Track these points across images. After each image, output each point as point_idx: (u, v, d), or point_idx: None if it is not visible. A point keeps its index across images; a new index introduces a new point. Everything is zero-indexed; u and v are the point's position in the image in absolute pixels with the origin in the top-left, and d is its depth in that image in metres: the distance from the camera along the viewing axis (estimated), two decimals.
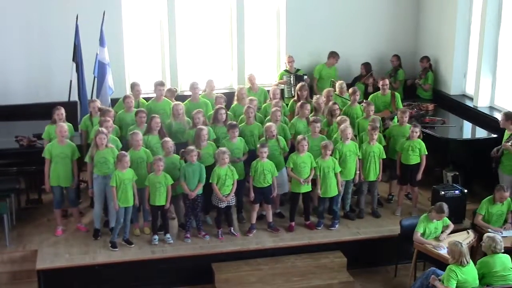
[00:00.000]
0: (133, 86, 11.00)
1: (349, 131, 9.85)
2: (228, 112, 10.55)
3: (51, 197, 9.91)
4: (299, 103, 10.63)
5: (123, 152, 9.16)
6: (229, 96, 11.58)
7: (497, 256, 7.93)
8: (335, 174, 9.71)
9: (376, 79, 12.43)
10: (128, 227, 9.33)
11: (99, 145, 9.17)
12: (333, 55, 12.96)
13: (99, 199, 9.38)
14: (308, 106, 10.52)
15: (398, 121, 10.69)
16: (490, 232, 8.68)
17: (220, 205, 9.45)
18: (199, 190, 9.31)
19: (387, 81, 11.58)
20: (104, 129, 9.29)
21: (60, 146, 9.40)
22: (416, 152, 10.08)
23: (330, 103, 10.73)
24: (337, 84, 11.74)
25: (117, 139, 9.76)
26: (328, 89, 11.51)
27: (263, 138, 9.86)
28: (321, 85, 12.78)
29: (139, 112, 10.03)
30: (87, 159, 9.34)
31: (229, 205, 9.53)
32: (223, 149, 9.33)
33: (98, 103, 10.27)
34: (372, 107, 10.67)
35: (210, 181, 9.33)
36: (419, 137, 10.11)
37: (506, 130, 9.94)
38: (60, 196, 9.61)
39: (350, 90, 11.25)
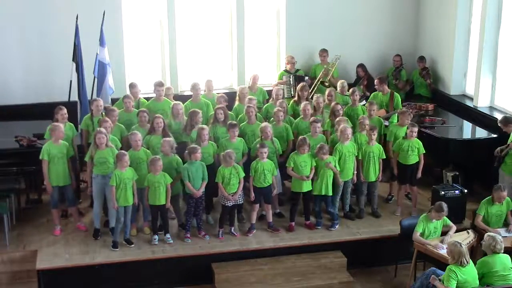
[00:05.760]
0: (130, 88, 11.01)
1: (349, 132, 9.85)
2: (230, 112, 10.61)
3: None
4: (302, 104, 10.63)
5: (123, 151, 9.17)
6: (229, 96, 11.57)
7: (497, 256, 7.92)
8: (334, 174, 9.73)
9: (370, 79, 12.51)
10: (128, 227, 9.34)
11: (99, 144, 9.19)
12: (320, 52, 12.88)
13: (98, 198, 9.40)
14: (309, 107, 10.53)
15: (398, 121, 10.72)
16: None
17: (227, 204, 9.45)
18: (203, 188, 9.34)
19: (376, 82, 11.56)
20: (103, 129, 9.31)
21: (57, 146, 9.41)
22: (415, 152, 10.09)
23: (333, 103, 10.72)
24: (339, 83, 11.75)
25: (116, 139, 9.77)
26: (329, 88, 11.51)
27: (259, 139, 9.86)
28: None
29: (140, 112, 10.06)
30: (87, 158, 9.36)
31: (236, 204, 9.53)
32: (230, 152, 9.32)
33: (101, 102, 10.29)
34: (374, 107, 10.68)
35: (216, 181, 9.36)
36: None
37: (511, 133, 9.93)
38: (58, 196, 9.61)
39: (350, 90, 11.25)
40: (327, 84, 12.41)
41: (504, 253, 8.02)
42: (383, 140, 10.68)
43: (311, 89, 12.23)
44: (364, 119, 10.26)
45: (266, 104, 11.28)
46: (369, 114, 10.61)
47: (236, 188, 9.37)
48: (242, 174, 9.41)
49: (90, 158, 9.31)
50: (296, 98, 11.37)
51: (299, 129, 10.43)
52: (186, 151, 9.41)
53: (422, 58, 13.03)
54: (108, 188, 9.11)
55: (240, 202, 9.62)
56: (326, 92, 11.27)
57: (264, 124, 9.94)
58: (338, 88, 11.63)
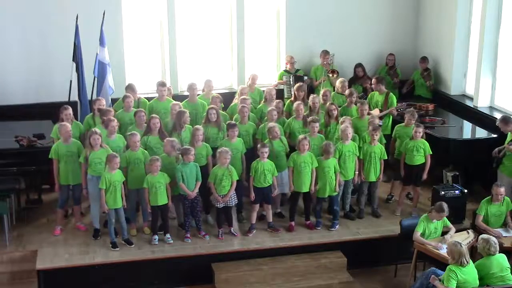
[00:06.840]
0: (127, 90, 10.91)
1: (349, 131, 9.86)
2: (224, 112, 10.61)
3: (52, 197, 9.92)
4: (295, 104, 10.64)
5: (114, 153, 9.12)
6: (229, 96, 11.55)
7: (493, 258, 7.92)
8: (335, 175, 9.72)
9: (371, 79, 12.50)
10: (124, 228, 9.31)
11: (94, 145, 9.16)
12: (321, 54, 12.87)
13: (95, 200, 9.35)
14: (302, 106, 10.51)
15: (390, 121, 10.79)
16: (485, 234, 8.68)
17: (216, 205, 9.45)
18: (197, 189, 9.32)
19: (374, 81, 11.58)
20: (98, 130, 9.30)
21: (65, 145, 9.40)
22: (420, 152, 10.06)
23: (328, 104, 10.72)
24: (338, 82, 11.76)
25: (122, 136, 9.74)
26: (325, 89, 11.51)
27: (267, 139, 9.85)
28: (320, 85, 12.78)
29: (138, 112, 10.03)
30: (81, 159, 9.32)
31: (227, 206, 9.52)
32: (226, 149, 9.32)
33: (103, 102, 10.28)
34: (366, 107, 10.68)
35: (209, 180, 9.35)
36: (422, 136, 10.12)
37: (509, 133, 9.92)
38: (66, 196, 9.61)
39: (347, 92, 11.21)
40: (335, 76, 12.35)
41: (503, 253, 8.03)
42: None
43: (318, 83, 12.31)
44: (374, 118, 10.26)
45: (260, 105, 11.21)
46: (360, 114, 10.61)
47: (227, 191, 9.34)
48: (236, 177, 9.38)
49: (84, 159, 9.27)
50: (292, 98, 11.37)
51: (292, 128, 10.42)
52: (178, 152, 9.40)
53: (424, 59, 12.98)
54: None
55: (231, 204, 9.56)
56: (321, 92, 11.26)
57: (272, 124, 9.92)
58: (339, 85, 11.62)
